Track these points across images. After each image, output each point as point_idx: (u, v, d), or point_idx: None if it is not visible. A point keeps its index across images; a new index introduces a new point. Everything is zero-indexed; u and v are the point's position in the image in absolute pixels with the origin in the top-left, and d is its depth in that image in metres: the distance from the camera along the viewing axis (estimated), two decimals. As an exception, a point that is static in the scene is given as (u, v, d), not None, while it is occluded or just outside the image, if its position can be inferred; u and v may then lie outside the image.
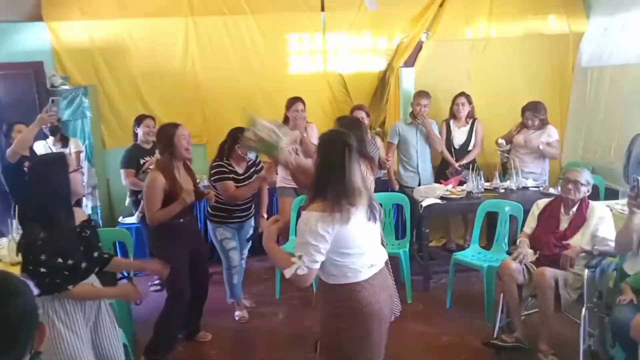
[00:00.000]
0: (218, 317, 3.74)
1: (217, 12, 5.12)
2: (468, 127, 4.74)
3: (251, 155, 3.53)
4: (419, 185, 4.53)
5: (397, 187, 4.62)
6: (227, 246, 3.60)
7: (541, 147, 4.38)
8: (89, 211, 4.91)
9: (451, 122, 4.77)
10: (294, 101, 4.26)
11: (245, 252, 3.83)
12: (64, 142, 4.38)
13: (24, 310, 1.06)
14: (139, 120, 4.19)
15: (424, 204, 4.01)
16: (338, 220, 1.88)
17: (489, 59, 5.16)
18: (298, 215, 4.16)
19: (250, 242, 3.85)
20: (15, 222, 3.35)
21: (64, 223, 2.08)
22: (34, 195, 2.10)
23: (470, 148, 4.73)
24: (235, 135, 3.48)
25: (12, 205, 3.83)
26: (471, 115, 4.75)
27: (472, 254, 3.88)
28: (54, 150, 4.25)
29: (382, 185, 4.59)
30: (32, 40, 4.98)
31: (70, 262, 2.07)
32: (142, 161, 4.06)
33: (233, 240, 3.61)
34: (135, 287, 2.37)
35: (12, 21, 4.97)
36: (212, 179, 3.52)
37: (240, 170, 3.52)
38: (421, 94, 4.58)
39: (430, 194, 4.12)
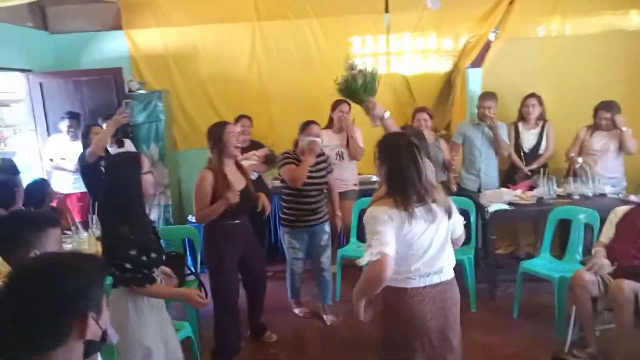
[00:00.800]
0: (278, 315, 3.82)
1: (282, 16, 5.23)
2: (538, 129, 4.52)
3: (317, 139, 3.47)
4: (479, 189, 4.37)
5: (455, 188, 4.46)
6: (292, 255, 3.65)
7: (624, 128, 4.06)
8: (162, 209, 5.19)
9: (519, 124, 4.57)
10: (339, 103, 4.25)
11: (325, 261, 3.71)
12: (120, 143, 4.61)
13: (61, 297, 1.07)
14: (237, 120, 4.34)
15: (491, 209, 3.87)
16: (404, 216, 1.87)
17: (563, 58, 4.89)
18: (359, 218, 4.20)
19: (330, 248, 3.73)
20: (94, 217, 3.60)
21: (141, 219, 2.18)
22: (113, 193, 2.19)
23: (541, 151, 4.51)
24: (304, 125, 3.51)
25: (91, 202, 4.12)
26: (541, 117, 4.52)
27: (542, 263, 3.69)
28: (110, 151, 4.51)
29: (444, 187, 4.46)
30: (112, 47, 5.34)
31: (153, 255, 2.17)
32: None
33: (300, 251, 3.63)
34: (200, 295, 2.37)
35: (95, 30, 5.36)
36: (278, 168, 3.56)
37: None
38: (486, 96, 4.41)
39: (498, 199, 3.97)
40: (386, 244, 1.84)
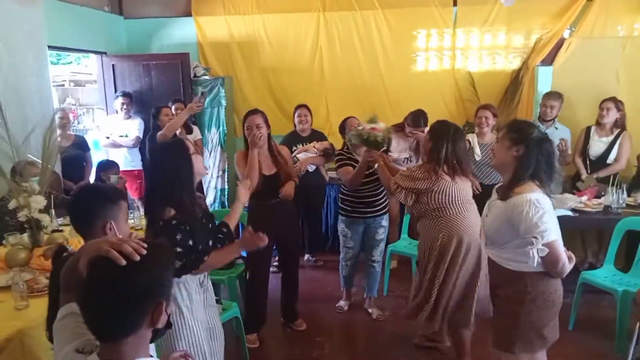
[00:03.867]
0: (329, 304, 3.85)
1: (347, 7, 5.21)
2: (611, 137, 4.20)
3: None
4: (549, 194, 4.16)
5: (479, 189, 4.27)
6: (344, 244, 3.64)
7: None
8: (218, 193, 5.34)
9: (593, 128, 4.30)
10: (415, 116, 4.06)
11: (377, 254, 3.64)
12: (188, 129, 4.72)
13: (142, 286, 1.07)
14: (295, 109, 4.40)
15: (552, 214, 3.69)
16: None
17: (645, 59, 4.58)
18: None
19: (383, 244, 3.66)
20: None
21: (188, 204, 2.14)
22: (158, 178, 2.18)
23: (609, 161, 4.20)
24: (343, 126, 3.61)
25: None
26: (619, 125, 4.21)
27: (605, 274, 3.49)
28: (179, 136, 4.65)
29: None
30: (181, 33, 5.54)
31: (196, 240, 2.13)
32: (294, 148, 4.22)
33: (352, 241, 3.59)
34: (253, 235, 2.32)
35: (166, 17, 5.56)
36: (335, 167, 3.60)
37: (359, 158, 3.45)
38: (552, 95, 4.21)
39: (561, 205, 3.78)
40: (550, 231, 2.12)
